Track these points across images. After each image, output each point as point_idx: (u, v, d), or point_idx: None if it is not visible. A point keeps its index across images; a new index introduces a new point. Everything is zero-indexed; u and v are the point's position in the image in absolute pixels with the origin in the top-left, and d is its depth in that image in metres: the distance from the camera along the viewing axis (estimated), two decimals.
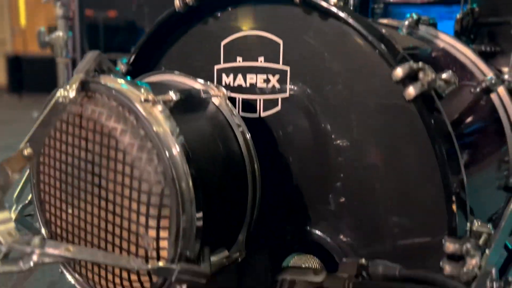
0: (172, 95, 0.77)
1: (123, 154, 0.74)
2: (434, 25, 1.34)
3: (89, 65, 0.80)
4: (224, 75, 0.95)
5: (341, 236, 0.84)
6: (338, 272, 0.80)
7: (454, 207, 0.67)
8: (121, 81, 0.79)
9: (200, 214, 0.75)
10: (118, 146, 0.75)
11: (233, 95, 0.94)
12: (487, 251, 0.69)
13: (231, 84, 0.94)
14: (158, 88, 0.88)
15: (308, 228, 0.88)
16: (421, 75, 0.69)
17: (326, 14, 0.80)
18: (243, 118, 0.90)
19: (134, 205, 0.74)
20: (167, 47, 1.04)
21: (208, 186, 0.79)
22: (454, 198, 0.67)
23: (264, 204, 0.89)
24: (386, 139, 0.77)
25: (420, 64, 0.70)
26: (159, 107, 0.74)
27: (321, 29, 0.83)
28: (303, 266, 0.86)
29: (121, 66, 1.06)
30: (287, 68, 0.87)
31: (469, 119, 1.16)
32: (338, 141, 0.83)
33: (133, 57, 1.05)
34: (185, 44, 1.01)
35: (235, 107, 0.93)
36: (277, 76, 0.88)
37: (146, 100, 0.74)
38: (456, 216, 0.67)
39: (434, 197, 0.70)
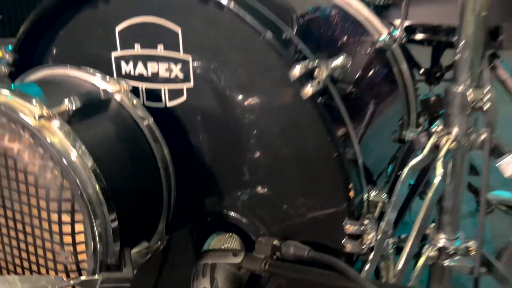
0: (69, 105, 0.73)
1: (24, 174, 0.71)
2: None
3: None
4: (123, 63, 0.91)
5: (255, 216, 0.90)
6: (255, 252, 0.86)
7: (351, 194, 0.74)
8: (8, 92, 0.72)
9: (113, 216, 0.75)
10: (17, 166, 0.71)
11: (135, 84, 0.91)
12: (381, 224, 0.78)
13: (132, 72, 0.91)
14: (52, 90, 0.83)
15: (225, 210, 0.92)
16: (316, 72, 0.72)
17: (220, 4, 0.78)
18: (149, 108, 0.88)
19: (46, 225, 0.72)
20: (57, 32, 0.95)
21: (118, 186, 0.79)
22: (351, 185, 0.74)
23: (181, 190, 0.91)
24: (287, 129, 0.80)
25: (316, 62, 0.73)
26: (56, 122, 0.70)
27: (217, 18, 0.81)
28: (223, 247, 0.91)
29: (6, 55, 0.97)
30: (189, 58, 0.85)
31: (367, 76, 1.23)
32: (250, 142, 0.85)
33: (18, 44, 0.96)
34: (76, 29, 0.94)
35: (138, 96, 0.91)
36: (179, 65, 0.86)
37: (41, 116, 0.69)
38: (354, 201, 0.75)
39: (333, 182, 0.76)
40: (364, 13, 1.27)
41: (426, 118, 1.35)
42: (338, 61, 0.80)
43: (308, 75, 0.72)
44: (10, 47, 0.98)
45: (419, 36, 1.38)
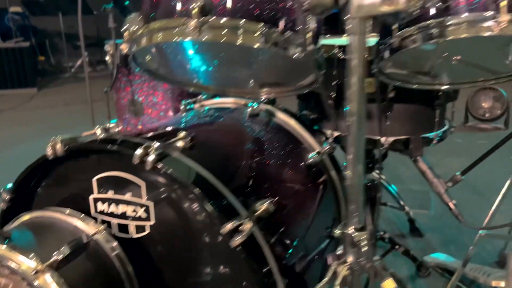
0: (59, 255, 0.98)
1: None
2: (273, 101, 1.65)
3: None
4: (99, 203, 1.16)
5: None
6: None
7: None
8: (9, 249, 0.97)
9: None
10: None
11: (108, 219, 1.16)
12: None
13: (106, 210, 1.16)
14: (44, 235, 1.08)
15: None
16: (241, 227, 0.99)
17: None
18: (119, 238, 1.13)
19: None
20: (45, 178, 1.21)
21: None
22: None
23: None
24: (224, 262, 1.06)
25: (242, 220, 1.00)
26: (48, 275, 0.95)
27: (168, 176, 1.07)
28: None
29: (4, 195, 1.21)
30: (150, 204, 1.11)
31: (303, 184, 1.50)
32: (199, 265, 1.10)
33: (14, 187, 1.21)
34: (61, 176, 1.19)
35: (110, 228, 1.16)
36: (143, 208, 1.12)
37: (37, 272, 0.94)
38: None
39: None
40: (300, 131, 1.55)
41: None
42: (263, 206, 1.07)
43: (235, 229, 0.99)
44: (7, 186, 1.22)
45: None
